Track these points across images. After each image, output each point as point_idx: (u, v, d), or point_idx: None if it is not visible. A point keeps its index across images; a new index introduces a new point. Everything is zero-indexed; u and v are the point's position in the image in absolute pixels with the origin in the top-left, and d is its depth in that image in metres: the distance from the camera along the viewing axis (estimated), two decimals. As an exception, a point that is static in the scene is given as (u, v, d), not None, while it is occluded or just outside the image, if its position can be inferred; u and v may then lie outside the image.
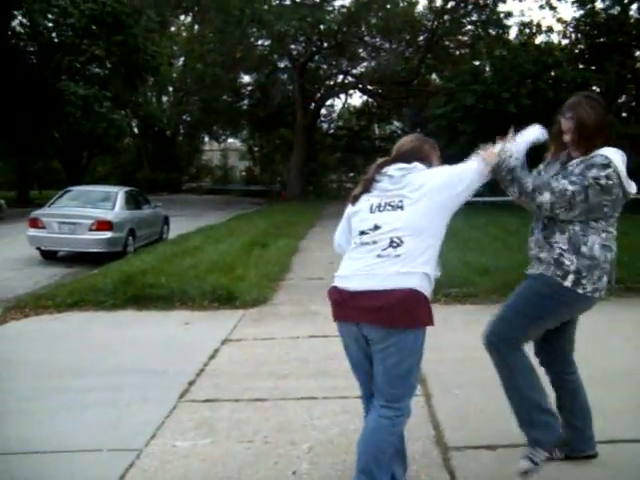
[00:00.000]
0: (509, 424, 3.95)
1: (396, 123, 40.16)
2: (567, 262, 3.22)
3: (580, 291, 3.19)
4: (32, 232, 13.27)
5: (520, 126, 3.42)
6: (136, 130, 48.16)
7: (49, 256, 13.66)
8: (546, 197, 3.14)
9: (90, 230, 12.92)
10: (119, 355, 5.95)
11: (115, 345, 6.32)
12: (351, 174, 45.69)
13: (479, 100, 23.31)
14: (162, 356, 5.87)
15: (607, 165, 3.12)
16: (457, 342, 6.08)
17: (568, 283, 3.21)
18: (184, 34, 44.37)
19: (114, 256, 12.54)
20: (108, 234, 12.93)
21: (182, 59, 45.50)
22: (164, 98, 50.86)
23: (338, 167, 46.28)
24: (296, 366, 5.51)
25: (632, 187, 3.17)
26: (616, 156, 3.16)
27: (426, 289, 2.97)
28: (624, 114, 23.90)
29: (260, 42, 32.85)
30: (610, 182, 3.09)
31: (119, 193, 14.40)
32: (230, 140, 57.23)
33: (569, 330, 3.54)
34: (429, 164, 3.20)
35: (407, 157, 3.17)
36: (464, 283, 8.21)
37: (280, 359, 5.73)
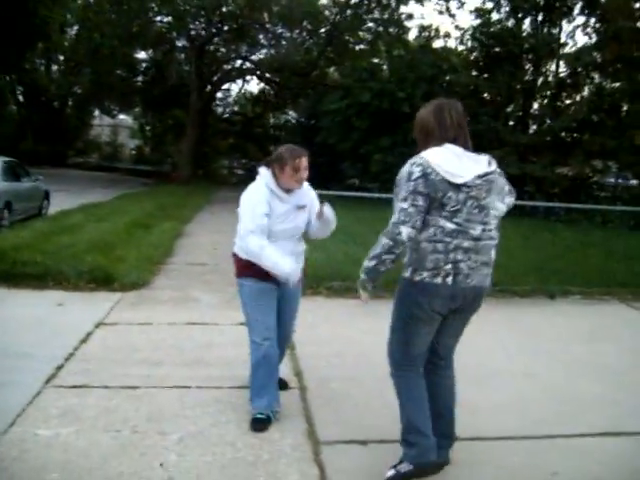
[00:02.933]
0: (382, 419, 3.99)
1: (291, 113, 40.18)
2: (406, 259, 3.32)
3: (417, 278, 3.23)
4: None
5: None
6: (21, 98, 45.92)
7: None
8: (404, 233, 3.15)
9: (-38, 200, 12.22)
10: (-18, 336, 5.62)
11: (-21, 325, 5.98)
12: (243, 160, 45.40)
13: (374, 98, 23.63)
14: (30, 338, 5.59)
15: (414, 159, 3.22)
16: (337, 336, 6.12)
17: (407, 274, 3.29)
18: (80, 1, 42.76)
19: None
20: (-19, 206, 12.26)
21: (75, 28, 43.81)
22: (54, 67, 48.67)
23: (230, 153, 45.80)
24: (171, 353, 5.38)
25: (456, 177, 3.15)
26: (434, 152, 3.20)
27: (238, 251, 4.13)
28: (511, 122, 24.80)
29: (159, 18, 31.95)
30: (416, 172, 3.14)
31: (-4, 164, 13.65)
32: (121, 117, 55.59)
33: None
34: (280, 166, 3.97)
35: (271, 159, 4.05)
36: (347, 277, 8.24)
37: (155, 346, 5.58)
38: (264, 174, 4.01)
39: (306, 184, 4.17)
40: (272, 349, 4.02)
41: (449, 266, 3.19)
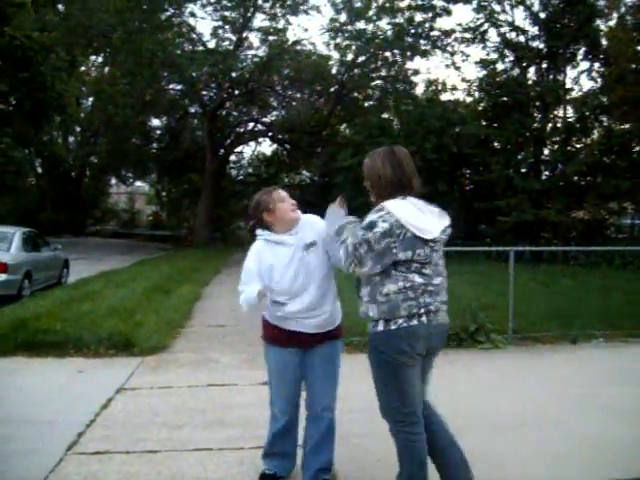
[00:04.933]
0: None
1: (305, 172, 40.53)
2: (371, 313, 3.33)
3: (393, 327, 3.26)
4: None
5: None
6: (40, 170, 46.76)
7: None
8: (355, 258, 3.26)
9: (-18, 271, 12.34)
10: (5, 405, 5.64)
11: (2, 394, 6.00)
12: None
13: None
14: (52, 406, 5.59)
15: (380, 209, 3.27)
16: (361, 392, 6.04)
17: (380, 327, 3.29)
18: (94, 74, 43.82)
19: (7, 299, 12.02)
20: (2, 276, 12.33)
21: (90, 99, 44.81)
22: (70, 138, 49.68)
23: (246, 214, 45.89)
24: (192, 416, 5.35)
25: (426, 233, 3.25)
26: (399, 205, 3.27)
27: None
28: (524, 169, 24.86)
29: (171, 86, 32.64)
30: (382, 226, 3.19)
31: (16, 234, 13.80)
32: (138, 184, 56.35)
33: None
34: (269, 211, 3.79)
35: (255, 215, 3.85)
36: (365, 332, 8.17)
37: (176, 409, 5.55)
38: (259, 232, 3.85)
39: (310, 217, 3.91)
40: (291, 424, 3.98)
41: (422, 309, 3.27)
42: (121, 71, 28.90)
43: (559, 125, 24.91)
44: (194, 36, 29.74)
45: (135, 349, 7.67)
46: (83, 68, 41.69)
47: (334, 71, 31.85)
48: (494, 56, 26.75)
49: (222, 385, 6.29)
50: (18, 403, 5.69)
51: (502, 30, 26.03)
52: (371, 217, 3.25)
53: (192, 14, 29.06)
